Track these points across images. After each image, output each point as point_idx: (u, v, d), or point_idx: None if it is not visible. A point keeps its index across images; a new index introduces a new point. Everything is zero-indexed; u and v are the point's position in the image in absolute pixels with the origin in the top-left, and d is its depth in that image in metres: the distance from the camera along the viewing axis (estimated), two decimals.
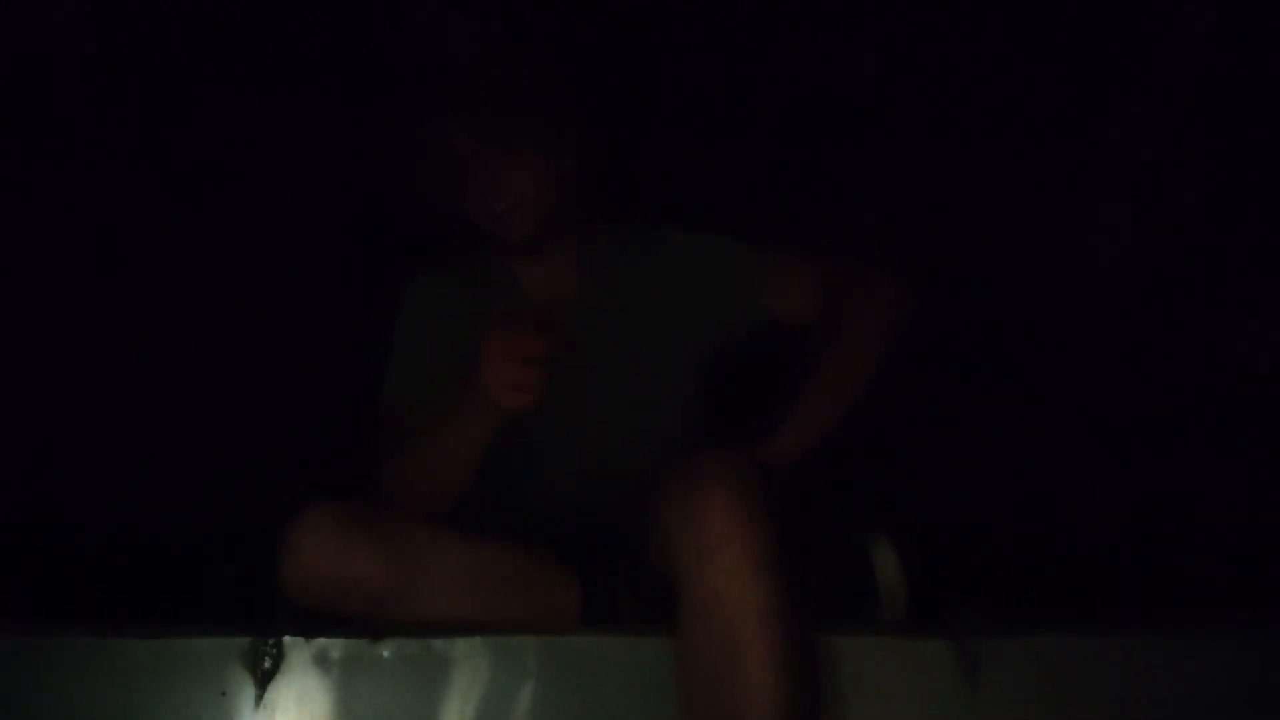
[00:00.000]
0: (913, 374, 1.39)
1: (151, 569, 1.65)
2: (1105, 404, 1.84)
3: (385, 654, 1.08)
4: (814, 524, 1.19)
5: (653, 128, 1.89)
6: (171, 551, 1.70)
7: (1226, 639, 1.14)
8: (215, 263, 1.87)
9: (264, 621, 1.10)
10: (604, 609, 1.17)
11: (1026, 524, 1.73)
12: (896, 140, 1.90)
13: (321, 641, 1.08)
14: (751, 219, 1.44)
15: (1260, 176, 1.81)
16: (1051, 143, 1.89)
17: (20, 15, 1.80)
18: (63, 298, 1.82)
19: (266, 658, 1.08)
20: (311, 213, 1.90)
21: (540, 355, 1.06)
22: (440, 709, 1.07)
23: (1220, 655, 1.13)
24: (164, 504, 1.78)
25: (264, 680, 1.07)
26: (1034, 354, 1.86)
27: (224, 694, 1.07)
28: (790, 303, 1.37)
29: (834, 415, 1.26)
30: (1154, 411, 1.82)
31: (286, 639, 1.08)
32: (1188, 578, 1.61)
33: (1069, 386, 1.85)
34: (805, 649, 1.01)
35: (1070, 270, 1.89)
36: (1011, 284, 1.87)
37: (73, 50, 1.84)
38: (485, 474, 1.21)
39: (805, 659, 1.00)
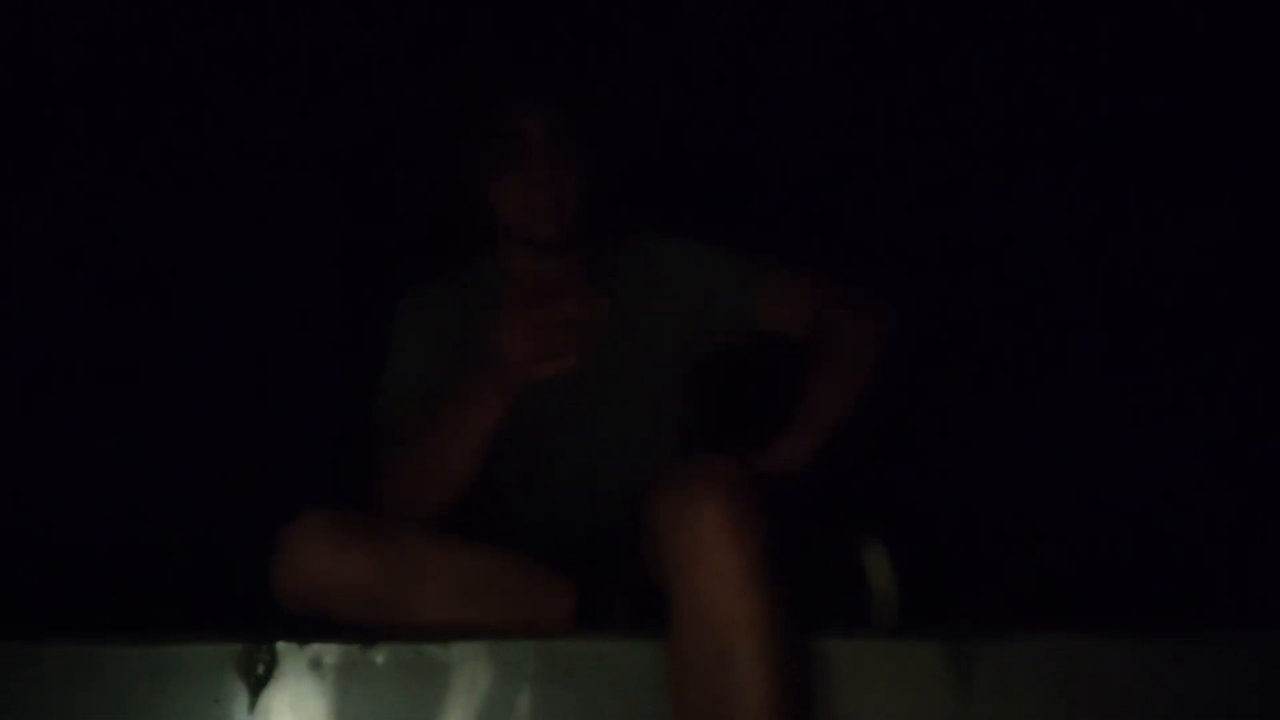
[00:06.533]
0: (906, 376, 1.40)
1: (144, 576, 1.65)
2: (1099, 407, 1.85)
3: (379, 660, 1.08)
4: (806, 527, 1.19)
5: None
6: (164, 558, 1.70)
7: (1218, 640, 1.14)
8: (208, 266, 1.87)
9: (257, 628, 1.10)
10: (598, 616, 1.17)
11: (1020, 527, 1.74)
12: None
13: (315, 647, 1.08)
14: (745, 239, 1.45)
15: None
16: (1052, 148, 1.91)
17: (20, 17, 1.80)
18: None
19: (260, 664, 1.08)
20: (306, 218, 1.90)
21: (567, 317, 1.06)
22: (435, 715, 1.07)
23: (1213, 656, 1.13)
24: (157, 511, 1.78)
25: (257, 687, 1.07)
26: (1027, 357, 1.87)
27: (217, 701, 1.07)
28: (781, 313, 1.37)
29: (830, 428, 1.26)
30: (1146, 415, 1.83)
31: (280, 645, 1.08)
32: (1178, 579, 1.62)
33: (1062, 390, 1.86)
34: (796, 653, 1.01)
35: (1062, 271, 1.90)
36: (1005, 286, 1.88)
37: (70, 52, 1.84)
38: (483, 481, 1.20)
39: (796, 663, 1.00)
